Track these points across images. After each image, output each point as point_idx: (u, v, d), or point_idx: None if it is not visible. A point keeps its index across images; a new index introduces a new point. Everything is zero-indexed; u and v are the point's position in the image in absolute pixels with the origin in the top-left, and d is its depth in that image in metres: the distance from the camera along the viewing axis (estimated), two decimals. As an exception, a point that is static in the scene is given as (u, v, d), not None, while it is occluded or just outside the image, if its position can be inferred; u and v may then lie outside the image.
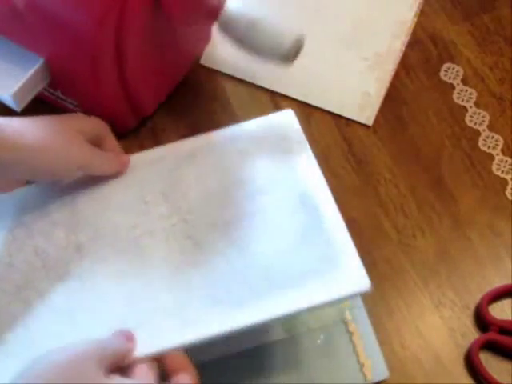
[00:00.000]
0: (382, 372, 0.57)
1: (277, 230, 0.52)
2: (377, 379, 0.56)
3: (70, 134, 0.55)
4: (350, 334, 0.58)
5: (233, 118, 0.68)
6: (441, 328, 0.60)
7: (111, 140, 0.60)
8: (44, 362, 0.43)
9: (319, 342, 0.57)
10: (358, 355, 0.57)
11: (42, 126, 0.54)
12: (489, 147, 0.69)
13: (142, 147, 0.67)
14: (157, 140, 0.67)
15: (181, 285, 0.50)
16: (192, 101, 0.69)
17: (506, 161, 0.68)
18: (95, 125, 0.59)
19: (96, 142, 0.58)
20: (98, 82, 0.59)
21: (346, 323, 0.58)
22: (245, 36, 0.58)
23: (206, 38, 0.70)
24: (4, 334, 0.50)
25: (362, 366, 0.56)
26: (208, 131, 0.60)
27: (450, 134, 0.69)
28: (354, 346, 0.57)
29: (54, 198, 0.57)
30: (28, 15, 0.54)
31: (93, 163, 0.56)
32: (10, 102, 0.58)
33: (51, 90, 0.63)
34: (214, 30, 0.72)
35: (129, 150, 0.67)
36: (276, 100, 0.70)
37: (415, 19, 0.74)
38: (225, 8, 0.59)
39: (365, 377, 0.56)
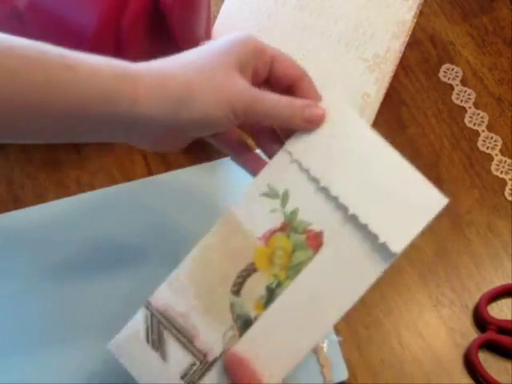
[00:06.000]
0: (342, 373, 0.57)
1: None
2: (336, 380, 0.56)
3: (227, 69, 0.44)
4: None
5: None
6: (440, 327, 0.61)
7: (306, 82, 0.49)
8: None
9: None
10: (318, 356, 0.57)
11: (190, 64, 0.45)
12: (488, 148, 0.69)
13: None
14: (157, 140, 0.67)
15: None
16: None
17: (505, 161, 0.68)
18: (262, 56, 0.46)
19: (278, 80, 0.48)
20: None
21: None
22: None
23: (206, 38, 0.70)
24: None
25: (321, 366, 0.56)
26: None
27: (449, 135, 0.69)
28: (315, 347, 0.57)
29: None
30: (28, 15, 0.55)
31: (259, 106, 0.45)
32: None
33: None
34: (213, 31, 0.72)
35: (129, 151, 0.67)
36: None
37: (414, 20, 0.74)
38: (203, 43, 0.59)
39: (324, 378, 0.56)
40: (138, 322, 0.49)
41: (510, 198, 0.66)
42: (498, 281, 0.63)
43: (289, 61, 0.48)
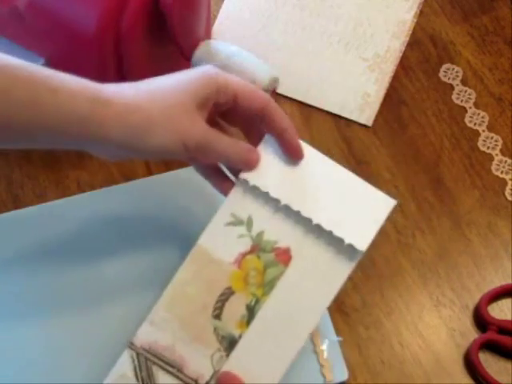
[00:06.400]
0: (342, 373, 0.56)
1: None
2: (336, 380, 0.56)
3: (186, 108, 0.48)
4: (311, 334, 0.56)
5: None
6: (440, 328, 0.61)
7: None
8: None
9: None
10: (318, 355, 0.56)
11: (154, 99, 0.48)
12: (488, 148, 0.69)
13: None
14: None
15: None
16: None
17: (506, 161, 0.68)
18: (227, 96, 0.50)
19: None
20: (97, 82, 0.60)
21: None
22: None
23: (206, 38, 0.70)
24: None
25: (321, 366, 0.56)
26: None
27: (450, 135, 0.69)
28: (315, 347, 0.57)
29: None
30: (28, 15, 0.55)
31: (209, 146, 0.49)
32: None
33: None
34: (213, 31, 0.72)
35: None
36: (276, 100, 0.70)
37: (415, 20, 0.74)
38: (203, 42, 0.60)
39: (324, 378, 0.56)
40: (124, 364, 0.50)
41: (510, 198, 0.66)
42: (498, 281, 0.62)
43: (252, 92, 0.51)
